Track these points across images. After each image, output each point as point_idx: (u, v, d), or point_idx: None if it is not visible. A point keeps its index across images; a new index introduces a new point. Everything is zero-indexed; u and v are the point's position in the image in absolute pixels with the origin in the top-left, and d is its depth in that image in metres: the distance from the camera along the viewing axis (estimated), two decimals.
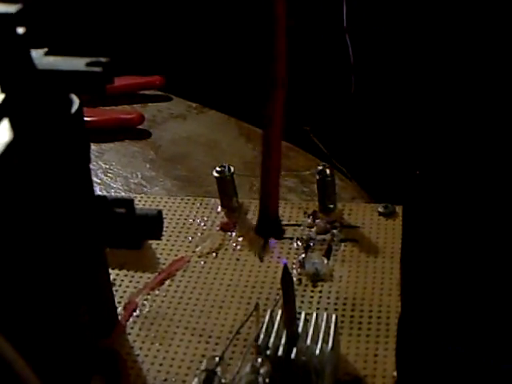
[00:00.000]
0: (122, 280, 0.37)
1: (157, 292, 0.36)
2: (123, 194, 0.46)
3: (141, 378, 0.32)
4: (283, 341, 0.30)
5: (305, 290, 0.35)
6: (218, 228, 0.40)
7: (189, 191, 0.46)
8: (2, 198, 0.25)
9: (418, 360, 0.32)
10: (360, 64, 0.54)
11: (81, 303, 0.32)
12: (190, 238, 0.39)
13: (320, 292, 0.35)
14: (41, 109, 0.27)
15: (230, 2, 0.62)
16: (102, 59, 0.26)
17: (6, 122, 0.26)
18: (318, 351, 0.30)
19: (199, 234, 0.39)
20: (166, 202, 0.42)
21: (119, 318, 0.35)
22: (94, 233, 0.29)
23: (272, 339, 0.30)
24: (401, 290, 0.35)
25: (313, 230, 0.39)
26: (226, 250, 0.38)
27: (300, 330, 0.31)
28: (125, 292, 0.36)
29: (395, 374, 0.31)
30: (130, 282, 0.37)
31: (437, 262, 0.38)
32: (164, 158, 0.50)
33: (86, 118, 0.52)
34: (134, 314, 0.35)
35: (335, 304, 0.35)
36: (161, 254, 0.38)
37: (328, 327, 0.31)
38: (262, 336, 0.31)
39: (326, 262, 0.37)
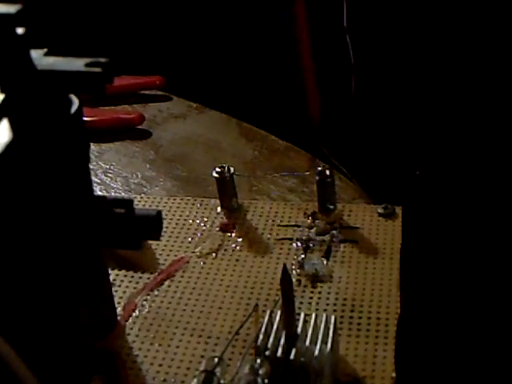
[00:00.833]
0: (122, 280, 0.37)
1: (156, 292, 0.36)
2: (123, 194, 0.46)
3: (140, 379, 0.32)
4: (282, 341, 0.30)
5: (304, 291, 0.35)
6: (217, 228, 0.40)
7: (189, 191, 0.46)
8: (2, 198, 0.25)
9: (416, 361, 0.32)
10: (360, 64, 0.54)
11: (80, 304, 0.32)
12: (190, 239, 0.39)
13: (319, 293, 0.35)
14: (40, 109, 0.27)
15: (229, 2, 0.62)
16: (102, 59, 0.27)
17: (5, 122, 0.26)
18: (316, 352, 0.30)
19: (199, 235, 0.39)
20: (166, 203, 0.42)
21: (119, 318, 0.35)
22: (93, 233, 0.29)
23: (271, 340, 0.30)
24: (400, 290, 0.35)
25: (312, 230, 0.39)
26: (226, 250, 0.38)
27: (299, 330, 0.31)
28: (124, 292, 0.36)
29: (394, 374, 0.31)
30: (130, 282, 0.37)
31: (436, 262, 0.38)
32: (164, 158, 0.50)
33: (86, 118, 0.53)
34: (134, 314, 0.35)
35: (334, 305, 0.35)
36: (160, 254, 0.38)
37: (327, 328, 0.31)
38: (261, 337, 0.31)
39: (325, 262, 0.37)
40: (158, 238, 0.31)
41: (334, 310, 0.34)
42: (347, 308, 0.34)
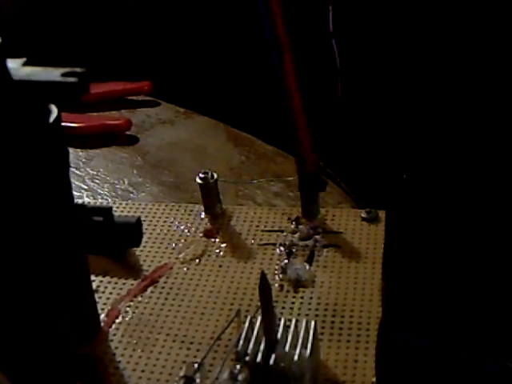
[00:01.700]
0: (106, 287, 0.37)
1: (140, 298, 0.36)
2: (110, 200, 0.46)
3: None
4: (262, 347, 0.30)
5: (286, 296, 0.36)
6: (201, 234, 0.40)
7: (175, 197, 0.46)
8: None
9: (397, 366, 0.33)
10: (346, 68, 0.54)
11: (63, 310, 0.32)
12: (174, 245, 0.39)
13: (302, 298, 0.36)
14: (18, 119, 0.27)
15: (217, 8, 0.62)
16: (78, 69, 0.27)
17: None
18: (296, 357, 0.30)
19: (183, 241, 0.40)
20: (151, 209, 0.42)
21: (102, 324, 0.35)
22: (72, 241, 0.30)
23: (251, 345, 0.31)
24: (382, 295, 0.35)
25: (296, 235, 0.39)
26: (209, 256, 0.39)
27: (279, 336, 0.31)
28: (108, 299, 0.37)
29: (374, 379, 0.31)
30: (114, 288, 0.37)
31: (419, 267, 0.38)
32: (151, 163, 0.50)
33: (73, 124, 0.53)
34: (117, 320, 0.35)
35: (316, 310, 0.35)
36: (144, 260, 0.39)
37: (307, 333, 0.31)
38: (241, 342, 0.31)
39: (307, 267, 0.37)
40: (137, 245, 0.31)
41: (316, 315, 0.35)
42: (329, 313, 0.35)
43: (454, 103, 0.54)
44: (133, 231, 0.30)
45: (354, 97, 0.56)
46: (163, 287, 0.37)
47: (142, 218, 0.31)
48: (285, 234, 0.39)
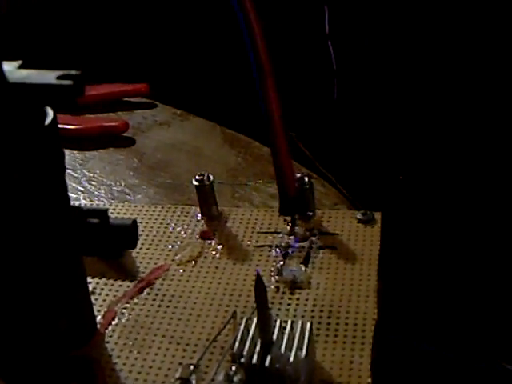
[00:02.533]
0: (102, 288, 0.37)
1: (136, 300, 0.36)
2: (106, 201, 0.46)
3: None
4: (258, 348, 0.30)
5: (282, 298, 0.36)
6: (197, 236, 0.40)
7: (172, 199, 0.46)
8: None
9: (392, 367, 0.33)
10: (342, 70, 0.55)
11: (59, 312, 0.32)
12: (170, 246, 0.39)
13: (297, 299, 0.36)
14: (14, 121, 0.27)
15: (214, 10, 0.62)
16: (73, 72, 0.27)
17: None
18: (292, 358, 0.30)
19: (179, 243, 0.40)
20: (147, 211, 0.42)
21: (98, 326, 0.35)
22: (68, 243, 0.30)
23: (247, 347, 0.31)
24: (378, 296, 0.35)
25: (292, 237, 0.39)
26: (206, 258, 0.39)
27: (275, 337, 0.31)
28: (104, 300, 0.37)
29: (370, 380, 0.31)
30: (110, 290, 0.37)
31: (414, 268, 0.39)
32: (148, 165, 0.50)
33: (70, 126, 0.53)
34: (113, 322, 0.35)
35: (312, 311, 0.35)
36: (140, 262, 0.39)
37: (302, 334, 0.31)
38: (237, 344, 0.31)
39: (303, 269, 0.37)
40: (133, 247, 0.31)
41: (312, 317, 0.35)
42: (324, 314, 0.35)
43: (451, 105, 0.54)
44: (129, 233, 0.30)
45: (350, 98, 0.56)
46: (159, 289, 0.37)
47: (139, 220, 0.31)
48: (281, 235, 0.39)
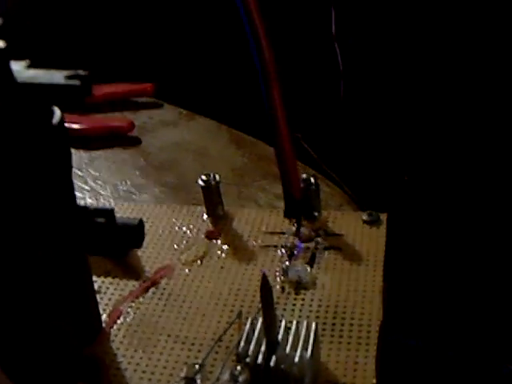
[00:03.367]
0: (108, 288, 0.37)
1: (141, 299, 0.37)
2: (112, 201, 0.46)
3: None
4: (263, 348, 0.31)
5: (287, 298, 0.36)
6: (203, 236, 0.40)
7: (177, 198, 0.46)
8: None
9: (397, 368, 0.33)
10: (349, 71, 0.55)
11: (64, 311, 0.32)
12: (176, 246, 0.40)
13: (303, 300, 0.36)
14: (22, 120, 0.27)
15: (220, 11, 0.62)
16: (81, 72, 0.27)
17: None
18: (297, 359, 0.30)
19: (184, 242, 0.40)
20: (153, 210, 0.42)
21: (103, 325, 0.35)
22: (74, 242, 0.30)
23: (252, 347, 0.31)
24: (383, 297, 0.35)
25: (297, 238, 0.39)
26: (211, 257, 0.39)
27: (280, 337, 0.31)
28: (110, 300, 0.37)
29: (374, 381, 0.31)
30: (115, 289, 0.37)
31: (420, 269, 0.39)
32: (153, 165, 0.50)
33: (76, 126, 0.53)
34: (119, 321, 0.35)
35: (317, 312, 0.35)
36: (146, 261, 0.39)
37: (308, 335, 0.31)
38: (242, 344, 0.31)
39: (309, 269, 0.37)
40: (139, 246, 0.31)
41: (317, 317, 0.35)
42: (330, 315, 0.35)
43: (457, 106, 0.54)
44: (135, 232, 0.30)
45: (356, 99, 0.56)
46: (165, 288, 0.37)
47: (144, 220, 0.31)
48: (286, 235, 0.39)
